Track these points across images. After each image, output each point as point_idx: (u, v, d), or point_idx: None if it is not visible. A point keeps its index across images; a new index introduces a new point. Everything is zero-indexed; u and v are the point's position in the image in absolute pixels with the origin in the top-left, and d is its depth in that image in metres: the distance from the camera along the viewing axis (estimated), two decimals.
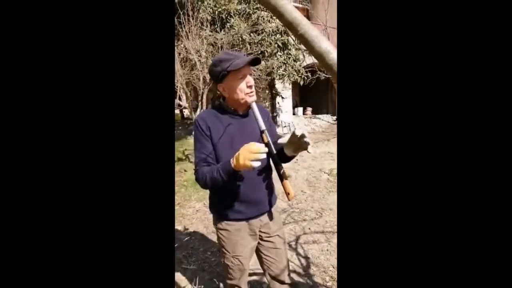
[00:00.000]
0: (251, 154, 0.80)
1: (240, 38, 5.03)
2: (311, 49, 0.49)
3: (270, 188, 1.05)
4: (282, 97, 7.36)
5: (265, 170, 1.01)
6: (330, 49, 0.48)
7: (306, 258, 1.81)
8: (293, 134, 0.87)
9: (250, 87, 0.93)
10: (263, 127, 0.95)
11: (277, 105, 7.61)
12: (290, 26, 0.51)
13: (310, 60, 6.37)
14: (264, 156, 0.82)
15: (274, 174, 1.02)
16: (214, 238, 2.10)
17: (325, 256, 1.83)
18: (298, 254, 1.85)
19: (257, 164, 0.80)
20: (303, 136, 0.85)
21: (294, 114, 9.24)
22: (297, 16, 0.49)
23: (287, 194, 0.94)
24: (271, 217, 1.07)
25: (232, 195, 0.99)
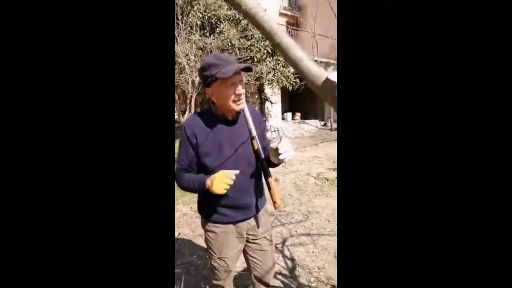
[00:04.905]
0: (225, 180, 0.85)
1: (229, 43, 5.09)
2: (286, 56, 0.53)
3: (259, 192, 1.05)
4: (271, 102, 7.43)
5: (254, 175, 1.01)
6: (303, 57, 0.52)
7: (292, 260, 1.84)
8: (273, 149, 0.88)
9: (238, 95, 0.89)
10: (253, 133, 0.93)
11: (266, 110, 7.68)
12: (268, 35, 0.55)
13: None
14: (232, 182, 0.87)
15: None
16: (200, 241, 2.10)
17: (310, 258, 1.86)
18: (284, 256, 1.88)
19: (225, 191, 0.87)
20: (277, 150, 0.86)
21: (283, 119, 9.34)
22: (274, 26, 0.53)
23: (274, 203, 0.93)
24: (259, 220, 1.06)
25: (220, 199, 0.97)
